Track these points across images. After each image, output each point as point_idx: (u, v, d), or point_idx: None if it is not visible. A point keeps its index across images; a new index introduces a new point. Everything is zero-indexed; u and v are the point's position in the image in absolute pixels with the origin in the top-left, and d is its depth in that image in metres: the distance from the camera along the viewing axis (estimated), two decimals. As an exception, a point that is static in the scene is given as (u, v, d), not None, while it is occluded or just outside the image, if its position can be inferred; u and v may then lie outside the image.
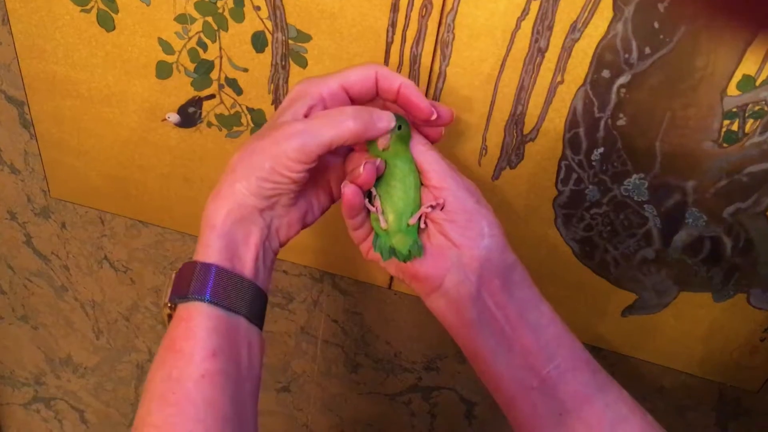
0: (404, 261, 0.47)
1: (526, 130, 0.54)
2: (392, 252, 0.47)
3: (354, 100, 0.47)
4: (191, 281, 0.44)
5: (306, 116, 0.45)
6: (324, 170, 0.50)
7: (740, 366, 0.63)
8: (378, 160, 0.46)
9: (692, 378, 0.67)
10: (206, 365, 0.42)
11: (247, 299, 0.45)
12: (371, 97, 0.47)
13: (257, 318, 0.46)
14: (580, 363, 0.46)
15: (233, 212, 0.44)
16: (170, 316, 0.45)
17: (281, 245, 0.49)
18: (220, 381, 0.42)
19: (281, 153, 0.43)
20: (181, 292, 0.44)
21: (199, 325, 0.43)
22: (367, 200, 0.47)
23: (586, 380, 0.45)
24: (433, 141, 0.48)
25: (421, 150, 0.47)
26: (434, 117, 0.46)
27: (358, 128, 0.43)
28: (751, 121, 0.49)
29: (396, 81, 0.45)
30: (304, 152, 0.43)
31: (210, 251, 0.44)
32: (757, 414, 0.68)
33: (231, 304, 0.44)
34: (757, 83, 0.47)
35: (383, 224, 0.47)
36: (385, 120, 0.45)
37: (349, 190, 0.45)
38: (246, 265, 0.45)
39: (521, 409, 0.46)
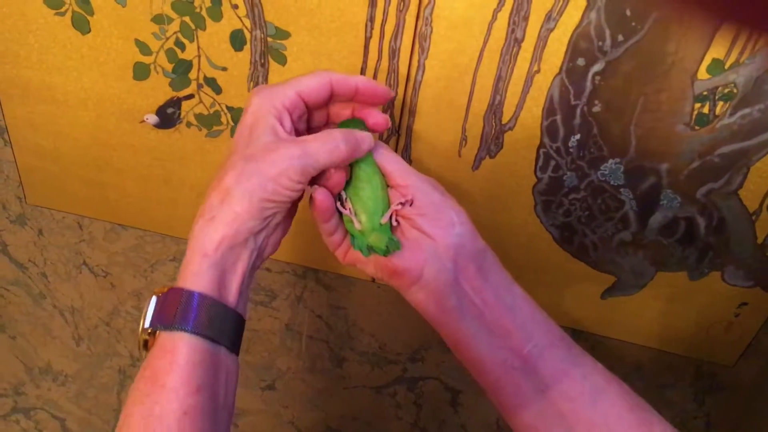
0: (384, 255, 0.48)
1: (504, 120, 0.55)
2: (371, 249, 0.48)
3: (309, 107, 0.48)
4: (177, 310, 0.42)
5: (283, 132, 0.46)
6: None
7: (716, 342, 0.66)
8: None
9: (669, 356, 0.69)
10: (189, 401, 0.41)
11: (230, 329, 0.44)
12: (324, 104, 0.49)
13: (236, 346, 0.45)
14: (555, 339, 0.48)
15: (228, 238, 0.43)
16: (147, 342, 0.44)
17: (262, 263, 0.49)
18: (200, 417, 0.41)
19: (283, 174, 0.43)
20: (165, 321, 0.43)
21: (184, 358, 0.41)
22: (338, 203, 0.48)
23: (563, 356, 0.47)
24: (381, 129, 0.50)
25: (382, 152, 0.49)
26: (393, 95, 0.49)
27: (348, 152, 0.45)
28: (721, 103, 0.51)
29: (352, 81, 0.47)
30: (304, 173, 0.44)
31: (199, 279, 0.43)
32: (732, 388, 0.70)
33: (215, 335, 0.43)
34: (726, 66, 0.49)
35: (357, 225, 0.48)
36: (368, 141, 0.47)
37: (319, 194, 0.47)
38: (231, 294, 0.45)
39: (505, 390, 0.47)
